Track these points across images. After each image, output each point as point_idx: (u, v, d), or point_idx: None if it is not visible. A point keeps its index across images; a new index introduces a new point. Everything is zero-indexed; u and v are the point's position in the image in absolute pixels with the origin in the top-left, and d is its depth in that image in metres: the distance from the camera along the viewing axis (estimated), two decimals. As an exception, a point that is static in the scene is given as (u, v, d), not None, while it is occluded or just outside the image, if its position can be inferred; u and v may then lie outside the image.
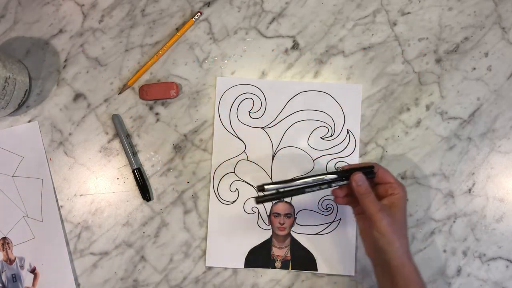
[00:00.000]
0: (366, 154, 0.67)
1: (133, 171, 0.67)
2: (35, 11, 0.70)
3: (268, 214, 0.67)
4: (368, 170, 0.58)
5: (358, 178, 0.57)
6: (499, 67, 0.67)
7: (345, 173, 0.58)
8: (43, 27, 0.70)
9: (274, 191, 0.56)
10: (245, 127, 0.67)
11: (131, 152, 0.67)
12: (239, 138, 0.67)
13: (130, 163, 0.67)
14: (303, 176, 0.58)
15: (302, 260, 0.66)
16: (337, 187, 0.58)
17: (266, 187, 0.55)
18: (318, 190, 0.57)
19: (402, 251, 0.55)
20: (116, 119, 0.67)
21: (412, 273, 0.55)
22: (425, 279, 0.56)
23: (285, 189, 0.56)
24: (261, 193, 0.56)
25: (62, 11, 0.70)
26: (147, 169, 0.68)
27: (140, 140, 0.68)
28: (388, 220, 0.55)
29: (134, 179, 0.67)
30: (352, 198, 0.59)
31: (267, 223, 0.67)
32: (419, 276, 0.55)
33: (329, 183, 0.57)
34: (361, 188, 0.57)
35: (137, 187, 0.67)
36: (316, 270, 0.65)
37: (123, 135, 0.67)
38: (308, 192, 0.56)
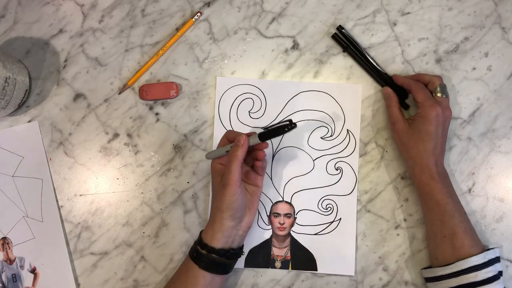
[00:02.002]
0: (366, 154, 0.67)
1: None
2: (35, 11, 0.70)
3: (268, 214, 0.67)
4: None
5: (386, 92, 0.65)
6: (499, 67, 0.67)
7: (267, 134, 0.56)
8: (43, 27, 0.70)
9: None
10: (245, 127, 0.67)
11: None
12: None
13: None
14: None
15: (302, 260, 0.66)
16: None
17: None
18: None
19: (413, 164, 0.60)
20: None
21: (429, 188, 0.58)
22: (425, 279, 0.56)
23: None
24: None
25: (62, 11, 0.70)
26: (147, 169, 0.68)
27: (140, 140, 0.68)
28: (399, 132, 0.61)
29: (134, 179, 0.67)
30: None
31: (267, 223, 0.67)
32: (441, 193, 0.57)
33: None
34: (386, 100, 0.64)
35: (137, 187, 0.67)
36: (316, 270, 0.65)
37: None
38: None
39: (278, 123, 0.56)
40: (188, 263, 0.58)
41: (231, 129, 0.67)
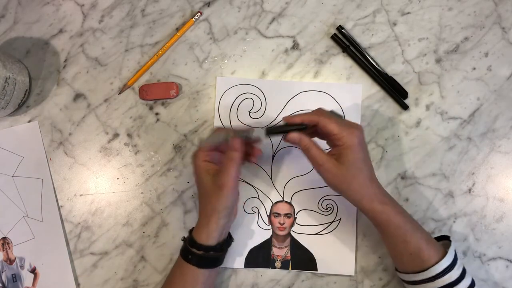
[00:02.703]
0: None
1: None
2: (35, 11, 0.70)
3: (268, 214, 0.67)
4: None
5: (292, 138, 0.57)
6: (499, 67, 0.67)
7: (274, 130, 0.59)
8: (43, 27, 0.70)
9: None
10: (245, 127, 0.67)
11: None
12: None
13: None
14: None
15: (302, 260, 0.66)
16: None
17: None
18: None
19: (359, 197, 0.56)
20: None
21: (385, 215, 0.55)
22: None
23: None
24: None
25: (62, 11, 0.70)
26: (147, 169, 0.68)
27: (140, 140, 0.68)
28: (332, 172, 0.55)
29: (134, 179, 0.67)
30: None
31: (267, 223, 0.67)
32: (397, 215, 0.55)
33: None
34: (300, 145, 0.57)
35: (137, 187, 0.67)
36: (316, 270, 0.65)
37: None
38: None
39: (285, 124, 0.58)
40: (182, 265, 0.58)
41: (231, 129, 0.67)
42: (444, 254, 0.55)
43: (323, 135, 0.58)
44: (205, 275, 0.58)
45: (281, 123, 0.58)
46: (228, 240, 0.61)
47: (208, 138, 0.60)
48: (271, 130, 0.58)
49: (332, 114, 0.57)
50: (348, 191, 0.56)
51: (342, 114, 0.57)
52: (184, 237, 0.61)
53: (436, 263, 0.54)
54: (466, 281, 0.54)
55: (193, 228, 0.60)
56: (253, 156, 0.61)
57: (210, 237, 0.57)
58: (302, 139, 0.57)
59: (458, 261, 0.55)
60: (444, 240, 0.59)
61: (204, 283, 0.58)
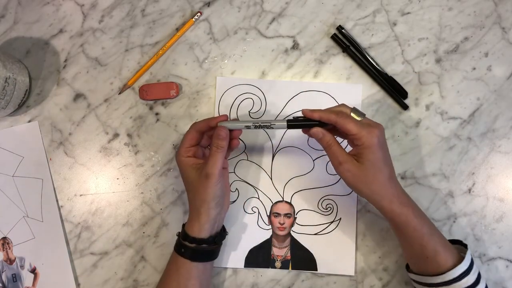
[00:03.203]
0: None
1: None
2: (35, 11, 0.70)
3: (268, 214, 0.67)
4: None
5: (315, 133, 0.56)
6: (499, 67, 0.67)
7: (296, 124, 0.57)
8: (43, 27, 0.70)
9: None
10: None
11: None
12: (239, 138, 0.67)
13: None
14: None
15: (302, 260, 0.66)
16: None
17: (223, 123, 0.58)
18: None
19: (379, 198, 0.55)
20: None
21: (403, 216, 0.54)
22: (425, 279, 0.56)
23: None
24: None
25: (62, 11, 0.70)
26: (147, 169, 0.68)
27: (140, 140, 0.68)
28: (352, 172, 0.54)
29: (134, 179, 0.67)
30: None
31: (267, 223, 0.67)
32: (416, 218, 0.55)
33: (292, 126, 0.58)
34: (322, 142, 0.57)
35: (137, 187, 0.67)
36: (316, 270, 0.65)
37: None
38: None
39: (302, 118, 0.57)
40: (177, 260, 0.58)
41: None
42: (459, 258, 0.54)
43: (343, 134, 0.57)
44: (199, 269, 0.58)
45: (300, 114, 0.58)
46: (221, 233, 0.61)
47: (229, 123, 0.58)
48: (293, 123, 0.57)
49: (354, 112, 0.56)
50: (367, 192, 0.55)
51: (364, 112, 0.56)
52: (178, 232, 0.61)
53: (453, 267, 0.53)
54: (481, 286, 0.54)
55: (185, 222, 0.60)
56: (231, 149, 0.61)
57: (202, 230, 0.57)
58: (325, 135, 0.56)
59: (474, 266, 0.55)
60: (456, 244, 0.59)
61: (198, 277, 0.58)
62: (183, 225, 0.60)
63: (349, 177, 0.55)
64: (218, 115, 0.68)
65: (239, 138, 0.67)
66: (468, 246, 0.57)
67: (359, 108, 0.67)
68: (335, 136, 0.57)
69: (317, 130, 0.56)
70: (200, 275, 0.58)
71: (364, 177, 0.55)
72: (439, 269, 0.54)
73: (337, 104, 0.59)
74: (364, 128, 0.54)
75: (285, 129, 0.58)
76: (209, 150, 0.58)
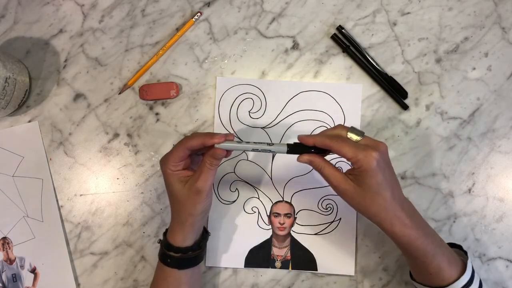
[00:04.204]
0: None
1: None
2: (35, 11, 0.70)
3: (268, 214, 0.67)
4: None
5: (303, 161, 0.54)
6: (499, 67, 0.67)
7: (296, 148, 0.55)
8: (43, 27, 0.70)
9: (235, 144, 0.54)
10: (245, 127, 0.67)
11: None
12: (239, 138, 0.67)
13: None
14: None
15: (302, 260, 0.66)
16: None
17: (221, 145, 0.53)
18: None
19: (378, 220, 0.53)
20: None
21: (405, 238, 0.52)
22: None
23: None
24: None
25: (62, 11, 0.70)
26: (147, 169, 0.68)
27: (140, 140, 0.68)
28: (349, 194, 0.52)
29: (134, 179, 0.67)
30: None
31: (267, 223, 0.67)
32: (419, 238, 0.52)
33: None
34: (313, 167, 0.54)
35: (137, 187, 0.67)
36: (316, 270, 0.66)
37: None
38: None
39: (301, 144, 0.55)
40: (164, 269, 0.58)
41: (232, 129, 0.67)
42: (462, 269, 0.54)
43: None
44: (187, 275, 0.58)
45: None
46: (204, 236, 0.61)
47: (228, 143, 0.54)
48: (293, 148, 0.55)
49: (352, 131, 0.54)
50: (367, 213, 0.53)
51: (362, 131, 0.54)
52: (160, 240, 0.60)
53: (456, 279, 0.53)
54: None
55: (167, 229, 0.60)
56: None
57: (186, 239, 0.57)
58: (313, 161, 0.54)
59: (476, 275, 0.54)
60: (455, 248, 0.58)
61: (187, 283, 0.58)
62: (164, 234, 0.59)
63: (348, 199, 0.53)
64: (218, 115, 0.68)
65: (240, 139, 0.67)
66: (468, 253, 0.57)
67: (358, 108, 0.67)
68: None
69: (302, 158, 0.54)
70: (189, 280, 0.58)
71: (362, 200, 0.52)
72: (442, 282, 0.53)
73: (333, 126, 0.56)
74: (361, 151, 0.51)
75: (284, 153, 0.55)
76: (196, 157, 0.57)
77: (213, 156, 0.54)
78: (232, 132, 0.67)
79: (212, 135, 0.54)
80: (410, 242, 0.53)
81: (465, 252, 0.57)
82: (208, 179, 0.54)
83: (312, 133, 0.67)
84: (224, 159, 0.58)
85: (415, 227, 0.52)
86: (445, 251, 0.54)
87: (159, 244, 0.66)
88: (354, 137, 0.53)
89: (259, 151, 0.55)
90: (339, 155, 0.52)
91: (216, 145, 0.54)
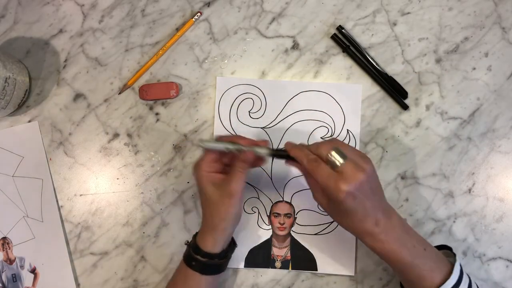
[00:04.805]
0: (366, 154, 0.67)
1: None
2: (35, 11, 0.70)
3: (268, 214, 0.67)
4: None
5: (289, 165, 0.56)
6: (499, 67, 0.67)
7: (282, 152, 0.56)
8: (43, 27, 0.70)
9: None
10: (245, 127, 0.67)
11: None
12: (272, 148, 0.67)
13: None
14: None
15: (302, 260, 0.66)
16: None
17: (206, 144, 0.57)
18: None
19: (350, 231, 0.53)
20: None
21: (378, 249, 0.52)
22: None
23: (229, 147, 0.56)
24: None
25: (62, 11, 0.70)
26: (147, 169, 0.68)
27: (140, 140, 0.68)
28: (323, 204, 0.54)
29: (134, 179, 0.67)
30: None
31: (267, 223, 0.67)
32: (393, 252, 0.52)
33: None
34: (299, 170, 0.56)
35: (137, 187, 0.67)
36: (316, 270, 0.65)
37: None
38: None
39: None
40: (186, 271, 0.58)
41: (232, 129, 0.67)
42: (449, 268, 0.53)
43: None
44: (208, 281, 0.58)
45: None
46: (232, 246, 0.61)
47: (210, 143, 0.57)
48: (275, 154, 0.57)
49: (336, 152, 0.51)
50: (339, 224, 0.55)
51: (344, 156, 0.51)
52: (187, 241, 0.60)
53: (442, 283, 0.52)
54: None
55: (197, 232, 0.60)
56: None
57: (216, 245, 0.57)
58: (296, 167, 0.56)
59: (464, 275, 0.54)
60: (445, 250, 0.58)
61: None
62: (194, 236, 0.59)
63: (322, 208, 0.54)
64: (218, 115, 0.68)
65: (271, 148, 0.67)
66: (468, 253, 0.56)
67: (358, 108, 0.67)
68: None
69: (288, 163, 0.57)
70: (209, 286, 0.58)
71: (333, 214, 0.54)
72: None
73: (325, 140, 0.56)
74: (332, 181, 0.50)
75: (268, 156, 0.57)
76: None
77: (244, 161, 0.56)
78: (232, 132, 0.67)
79: (239, 137, 0.57)
80: (383, 254, 0.53)
81: (454, 254, 0.56)
82: (240, 182, 0.55)
83: (311, 134, 0.67)
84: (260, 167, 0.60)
85: (390, 242, 0.52)
86: (427, 261, 0.53)
87: (159, 244, 0.66)
88: (335, 160, 0.51)
89: (274, 156, 0.57)
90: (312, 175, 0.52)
91: (200, 143, 0.57)
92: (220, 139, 0.58)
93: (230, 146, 0.56)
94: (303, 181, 0.66)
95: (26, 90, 0.68)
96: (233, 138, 0.58)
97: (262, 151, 0.56)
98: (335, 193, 0.49)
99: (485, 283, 0.65)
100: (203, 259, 0.57)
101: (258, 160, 0.58)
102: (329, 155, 0.51)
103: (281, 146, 0.67)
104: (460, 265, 0.54)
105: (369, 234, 0.52)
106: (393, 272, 0.57)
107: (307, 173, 0.55)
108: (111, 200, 0.68)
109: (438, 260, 0.54)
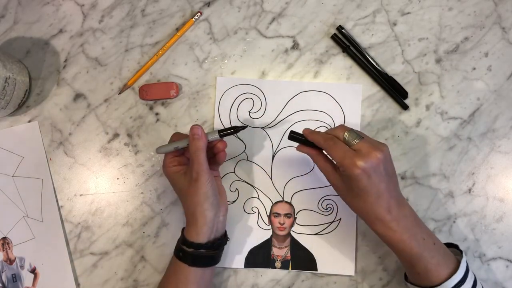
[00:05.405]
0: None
1: None
2: (35, 11, 0.70)
3: (268, 214, 0.67)
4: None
5: (300, 150, 0.59)
6: (499, 67, 0.67)
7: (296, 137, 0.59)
8: (43, 27, 0.70)
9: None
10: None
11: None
12: (239, 138, 0.67)
13: None
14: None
15: (302, 260, 0.66)
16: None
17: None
18: None
19: (360, 214, 0.55)
20: None
21: (387, 238, 0.53)
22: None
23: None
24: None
25: (62, 11, 0.70)
26: (147, 169, 0.68)
27: (140, 140, 0.68)
28: (335, 186, 0.56)
29: (134, 179, 0.67)
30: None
31: (267, 223, 0.67)
32: (401, 241, 0.53)
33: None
34: (310, 157, 0.59)
35: (137, 187, 0.67)
36: (316, 270, 0.65)
37: None
38: None
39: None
40: (175, 264, 0.58)
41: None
42: (455, 267, 0.54)
43: None
44: (197, 274, 0.58)
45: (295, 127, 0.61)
46: (221, 239, 0.60)
47: (162, 148, 0.61)
48: (293, 137, 0.59)
49: (349, 133, 0.54)
50: (350, 207, 0.57)
51: (361, 135, 0.54)
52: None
53: (448, 278, 0.52)
54: None
55: (184, 227, 0.60)
56: (217, 161, 0.62)
57: (200, 234, 0.57)
58: (308, 152, 0.59)
59: (470, 273, 0.54)
60: (453, 248, 0.58)
61: (196, 282, 0.58)
62: (182, 230, 0.60)
63: (335, 189, 0.57)
64: (218, 115, 0.68)
65: (240, 139, 0.67)
66: (469, 253, 0.57)
67: (358, 108, 0.67)
68: None
69: (300, 148, 0.59)
70: (199, 280, 0.58)
71: (345, 196, 0.56)
72: (432, 282, 0.53)
73: (336, 126, 0.58)
74: (348, 157, 0.51)
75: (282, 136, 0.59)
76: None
77: (193, 137, 0.57)
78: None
79: (179, 134, 0.62)
80: (392, 243, 0.54)
81: (462, 251, 0.57)
82: (200, 163, 0.57)
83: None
84: (235, 151, 0.60)
85: (400, 231, 0.53)
86: (435, 254, 0.54)
87: (158, 244, 0.66)
88: (351, 139, 0.54)
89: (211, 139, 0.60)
90: (328, 155, 0.55)
91: (156, 151, 0.61)
92: (174, 136, 0.62)
93: (179, 145, 0.59)
94: (303, 181, 0.67)
95: (26, 90, 0.68)
96: (175, 137, 0.62)
97: (213, 135, 0.59)
98: (350, 169, 0.51)
99: (485, 283, 0.65)
100: (189, 249, 0.57)
101: (221, 152, 0.61)
102: (346, 132, 0.54)
103: (281, 146, 0.67)
104: (467, 263, 0.55)
105: (381, 220, 0.53)
106: (399, 262, 0.57)
107: (319, 158, 0.57)
108: (111, 200, 0.68)
109: (445, 256, 0.55)
